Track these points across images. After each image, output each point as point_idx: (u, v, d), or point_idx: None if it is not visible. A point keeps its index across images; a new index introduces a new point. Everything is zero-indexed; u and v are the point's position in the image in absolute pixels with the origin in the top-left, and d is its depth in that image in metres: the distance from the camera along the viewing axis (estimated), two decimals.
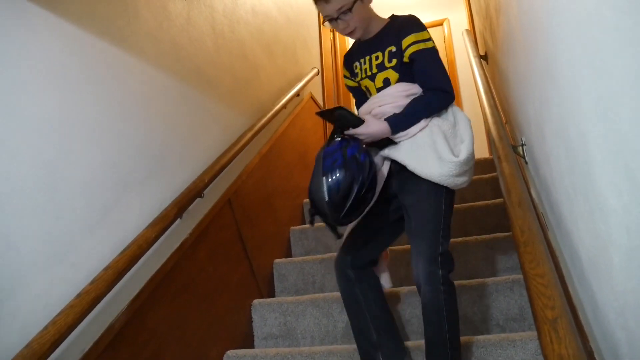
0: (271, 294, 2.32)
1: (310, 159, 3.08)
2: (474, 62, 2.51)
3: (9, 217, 1.12)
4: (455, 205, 2.51)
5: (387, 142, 1.45)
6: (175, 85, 1.90)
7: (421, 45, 1.43)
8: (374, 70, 1.51)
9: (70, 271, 1.26)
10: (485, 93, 2.05)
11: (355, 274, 1.47)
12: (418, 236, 1.35)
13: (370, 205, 1.38)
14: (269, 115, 2.64)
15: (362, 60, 1.55)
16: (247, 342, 2.00)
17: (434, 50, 1.45)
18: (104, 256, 1.36)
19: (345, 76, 1.67)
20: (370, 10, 1.51)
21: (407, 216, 1.41)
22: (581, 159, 0.91)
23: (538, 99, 1.26)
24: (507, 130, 1.93)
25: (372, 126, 1.40)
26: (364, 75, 1.55)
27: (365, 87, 1.57)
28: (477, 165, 3.19)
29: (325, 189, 1.30)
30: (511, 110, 1.89)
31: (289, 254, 2.63)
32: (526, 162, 1.66)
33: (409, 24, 1.47)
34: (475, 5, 3.23)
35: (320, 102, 4.04)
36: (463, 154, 1.35)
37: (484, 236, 2.11)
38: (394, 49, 1.46)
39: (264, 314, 2.04)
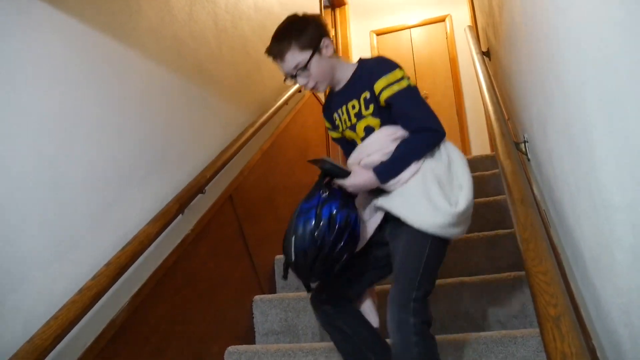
0: (272, 290, 2.32)
1: (311, 156, 3.07)
2: (476, 58, 2.50)
3: (11, 214, 1.12)
4: None
5: (379, 189, 1.37)
6: (176, 81, 1.89)
7: (395, 88, 1.32)
8: (353, 120, 1.43)
9: (72, 267, 1.26)
10: (488, 90, 2.05)
11: (333, 309, 1.39)
12: (394, 280, 1.25)
13: (344, 261, 1.31)
14: (271, 111, 2.63)
15: (340, 111, 1.46)
16: (249, 338, 2.01)
17: (409, 89, 1.33)
18: (105, 252, 1.36)
19: (328, 128, 1.60)
20: (333, 61, 1.42)
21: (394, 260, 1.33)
22: (585, 156, 0.91)
23: (541, 96, 1.26)
24: (509, 127, 1.92)
25: (359, 177, 1.33)
26: (344, 127, 1.47)
27: (350, 137, 1.49)
28: (480, 162, 3.19)
29: (292, 250, 1.26)
30: (514, 107, 1.88)
31: None
32: (529, 159, 1.65)
33: (378, 67, 1.38)
34: (478, 2, 3.22)
35: (322, 97, 4.04)
36: (461, 204, 1.24)
37: (485, 233, 2.11)
38: (368, 95, 1.37)
39: (265, 310, 2.04)
